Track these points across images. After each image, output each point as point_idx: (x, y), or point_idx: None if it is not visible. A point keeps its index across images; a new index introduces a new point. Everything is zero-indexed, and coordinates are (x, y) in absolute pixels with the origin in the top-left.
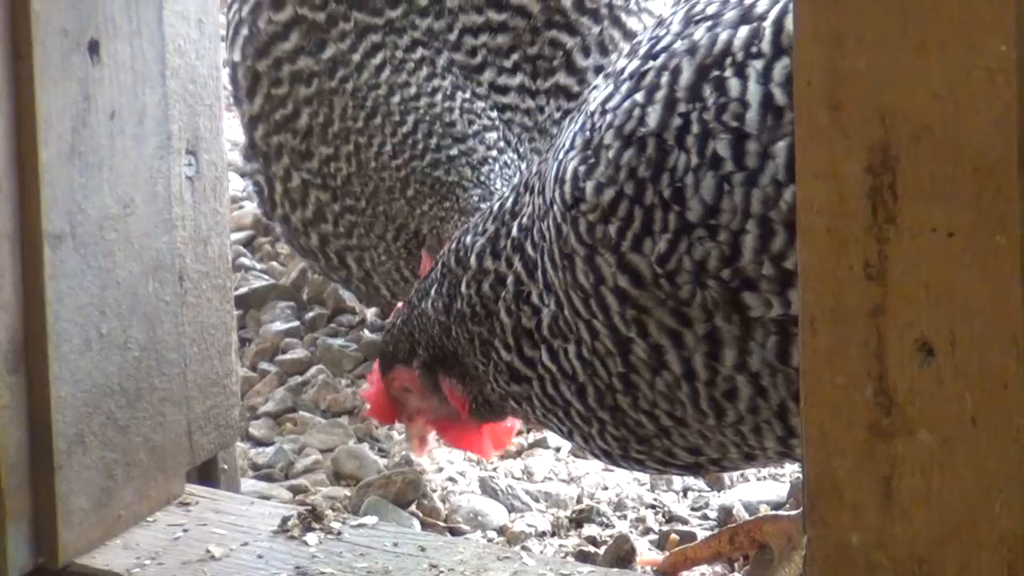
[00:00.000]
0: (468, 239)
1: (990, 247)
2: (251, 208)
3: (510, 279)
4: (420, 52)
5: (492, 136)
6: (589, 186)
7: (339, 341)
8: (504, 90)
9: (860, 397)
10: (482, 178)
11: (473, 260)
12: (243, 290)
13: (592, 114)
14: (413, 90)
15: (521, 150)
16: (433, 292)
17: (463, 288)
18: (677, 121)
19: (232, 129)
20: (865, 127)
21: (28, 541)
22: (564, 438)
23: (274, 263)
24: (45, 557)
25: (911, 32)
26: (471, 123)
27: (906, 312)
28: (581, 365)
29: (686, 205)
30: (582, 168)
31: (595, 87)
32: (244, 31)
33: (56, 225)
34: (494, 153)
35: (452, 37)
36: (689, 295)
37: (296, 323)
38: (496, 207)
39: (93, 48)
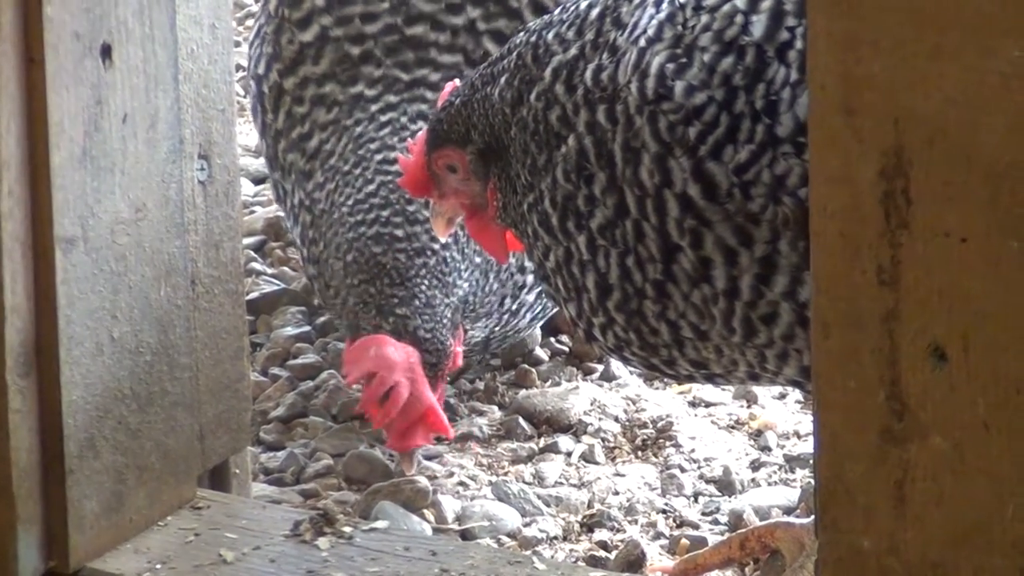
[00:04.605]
0: (549, 37)
1: (1003, 252)
2: (262, 213)
3: (572, 143)
4: (421, 124)
5: None
6: (679, 86)
7: None
8: None
9: (873, 401)
10: (411, 273)
11: (548, 75)
12: (254, 295)
13: (684, 6)
14: (395, 154)
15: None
16: (503, 81)
17: (532, 97)
18: (784, 35)
19: (244, 134)
20: (879, 132)
21: (39, 545)
22: (554, 301)
23: (285, 268)
24: (56, 561)
25: (925, 37)
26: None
27: (919, 317)
28: (620, 272)
29: (777, 119)
30: (671, 66)
31: None
32: (268, 48)
33: (68, 229)
34: (436, 246)
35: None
36: (760, 208)
37: (307, 328)
38: (583, 9)
39: (106, 52)
